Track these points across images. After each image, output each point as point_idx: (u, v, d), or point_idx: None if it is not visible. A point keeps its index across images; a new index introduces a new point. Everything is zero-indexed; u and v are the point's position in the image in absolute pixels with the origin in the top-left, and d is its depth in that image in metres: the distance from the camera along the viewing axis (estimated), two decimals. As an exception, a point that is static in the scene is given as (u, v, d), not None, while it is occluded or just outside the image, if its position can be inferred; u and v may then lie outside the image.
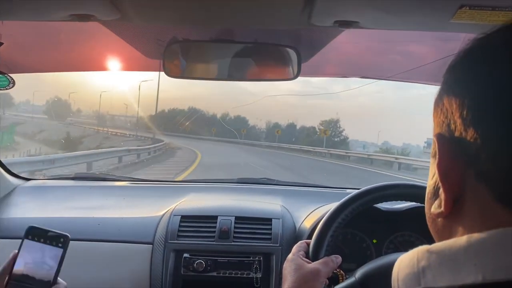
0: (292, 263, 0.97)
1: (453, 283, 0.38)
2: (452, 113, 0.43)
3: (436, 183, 0.46)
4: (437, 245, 0.43)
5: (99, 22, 1.06)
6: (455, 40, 1.04)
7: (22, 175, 1.99)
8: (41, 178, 2.10)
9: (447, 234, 0.45)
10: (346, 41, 1.13)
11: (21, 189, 1.86)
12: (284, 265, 0.99)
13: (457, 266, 0.39)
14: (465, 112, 0.41)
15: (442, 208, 0.45)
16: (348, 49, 1.18)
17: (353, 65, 1.33)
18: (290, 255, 1.01)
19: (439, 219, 0.47)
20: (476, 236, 0.39)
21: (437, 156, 0.45)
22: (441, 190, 0.45)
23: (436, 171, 0.45)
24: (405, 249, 0.53)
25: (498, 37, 0.43)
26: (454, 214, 0.44)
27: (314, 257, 1.05)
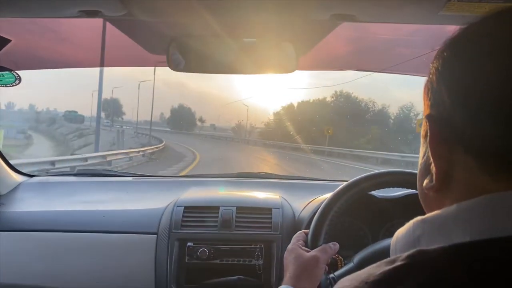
0: (292, 253, 1.02)
1: (444, 243, 0.43)
2: (441, 95, 0.48)
3: (427, 160, 0.51)
4: (430, 215, 0.48)
5: (104, 19, 1.11)
6: (446, 33, 1.09)
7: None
8: (43, 174, 2.14)
9: (438, 205, 0.49)
10: (342, 34, 1.18)
11: (25, 185, 1.90)
12: (285, 255, 1.04)
13: (448, 231, 0.44)
14: (453, 94, 0.46)
15: (434, 183, 0.49)
16: (344, 42, 1.23)
17: (348, 58, 1.38)
18: (290, 245, 1.06)
19: (431, 193, 0.51)
20: (463, 204, 0.44)
21: (428, 135, 0.50)
22: (432, 166, 0.49)
23: (428, 149, 0.50)
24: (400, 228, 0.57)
25: (482, 26, 0.48)
26: (444, 188, 0.49)
27: (313, 245, 1.09)
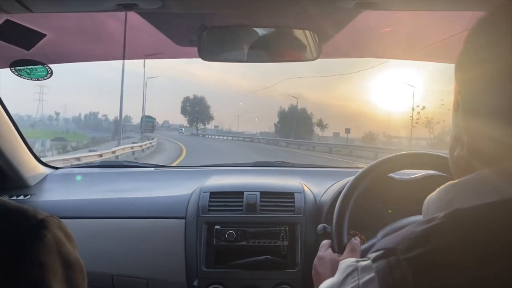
0: (325, 260, 1.06)
1: (477, 203, 0.49)
2: (472, 69, 0.53)
3: (459, 132, 0.57)
4: (462, 179, 0.54)
5: (136, 13, 1.16)
6: (462, 19, 1.13)
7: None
8: (68, 166, 2.21)
9: (468, 171, 0.55)
10: (362, 21, 1.22)
11: (52, 176, 1.97)
12: (316, 263, 1.08)
13: (481, 191, 0.50)
14: (477, 81, 0.52)
15: (465, 151, 0.55)
16: (364, 30, 1.28)
17: (368, 45, 1.43)
18: (319, 253, 1.10)
19: (462, 161, 0.56)
20: (494, 168, 0.50)
21: (459, 108, 0.55)
22: (464, 136, 0.55)
23: (460, 121, 0.55)
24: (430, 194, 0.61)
25: (508, 10, 0.53)
26: (474, 156, 0.54)
27: (338, 227, 1.14)
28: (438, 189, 0.57)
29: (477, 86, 0.52)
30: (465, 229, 0.45)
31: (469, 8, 1.01)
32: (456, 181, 0.55)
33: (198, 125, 70.68)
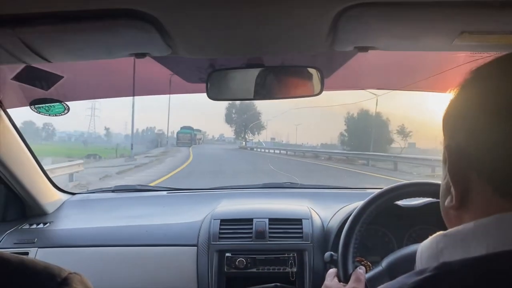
0: None
1: (465, 256, 0.52)
2: (457, 129, 0.58)
3: (448, 183, 0.61)
4: (451, 231, 0.58)
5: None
6: (460, 54, 1.18)
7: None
8: (84, 192, 2.29)
9: (458, 222, 0.58)
10: (363, 58, 1.28)
11: (69, 203, 2.05)
12: None
13: (467, 244, 0.53)
14: (466, 129, 0.56)
15: (453, 202, 0.58)
16: (364, 66, 1.34)
17: (368, 78, 1.48)
18: (326, 283, 1.15)
19: (451, 211, 0.60)
20: (480, 221, 0.53)
21: (447, 162, 0.60)
22: (452, 188, 0.59)
23: (447, 174, 0.60)
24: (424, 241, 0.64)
25: (492, 68, 0.57)
26: (463, 207, 0.58)
27: (343, 257, 1.19)
28: (430, 237, 0.61)
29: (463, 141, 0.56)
30: (452, 283, 0.49)
31: (462, 50, 1.06)
32: (447, 231, 0.58)
33: (247, 136, 55.48)
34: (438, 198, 1.17)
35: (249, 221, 1.63)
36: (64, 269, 0.65)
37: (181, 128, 43.90)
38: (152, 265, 1.60)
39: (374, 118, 38.13)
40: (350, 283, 1.11)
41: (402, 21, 0.90)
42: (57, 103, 1.55)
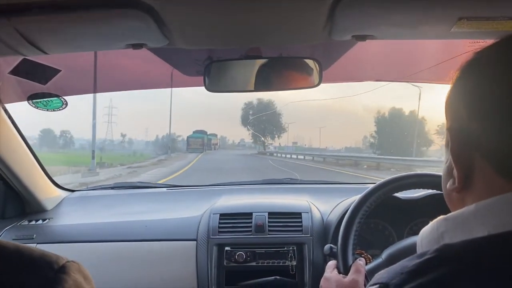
0: (331, 281, 1.11)
1: (466, 238, 0.51)
2: (459, 110, 0.57)
3: (450, 166, 0.60)
4: (452, 214, 0.57)
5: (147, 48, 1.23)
6: (458, 44, 1.18)
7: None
8: (83, 189, 2.28)
9: (460, 204, 0.58)
10: (361, 49, 1.28)
11: (68, 199, 2.04)
12: (322, 284, 1.13)
13: (469, 227, 0.53)
14: (470, 109, 0.55)
15: (456, 185, 0.58)
16: (363, 56, 1.33)
17: (367, 70, 1.48)
18: (325, 274, 1.15)
19: (454, 194, 0.60)
20: (482, 203, 0.53)
21: (449, 144, 0.59)
22: (454, 170, 0.58)
23: (450, 156, 0.59)
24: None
25: (493, 51, 0.56)
26: (465, 189, 0.57)
27: (343, 249, 1.19)
28: (431, 223, 0.61)
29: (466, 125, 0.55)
30: (453, 264, 0.48)
31: (461, 37, 1.05)
32: (448, 215, 0.58)
33: (266, 140, 47.85)
34: (437, 189, 1.16)
35: (248, 215, 1.63)
36: (61, 257, 0.65)
37: (193, 132, 41.51)
38: (151, 260, 1.60)
39: (413, 116, 32.07)
40: (350, 274, 1.11)
41: (399, 8, 0.89)
42: (55, 98, 1.54)
